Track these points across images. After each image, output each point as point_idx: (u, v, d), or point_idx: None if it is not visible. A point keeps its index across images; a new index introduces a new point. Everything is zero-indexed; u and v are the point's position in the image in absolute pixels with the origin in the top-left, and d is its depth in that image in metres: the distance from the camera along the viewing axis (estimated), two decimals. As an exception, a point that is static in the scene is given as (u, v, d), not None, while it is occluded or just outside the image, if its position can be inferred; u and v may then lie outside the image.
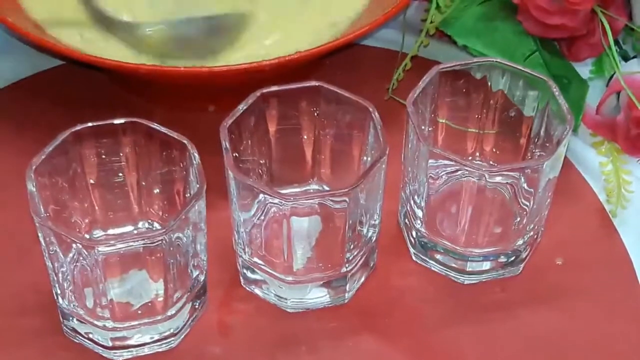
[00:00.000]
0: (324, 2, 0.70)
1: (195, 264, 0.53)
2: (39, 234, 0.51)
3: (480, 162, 0.61)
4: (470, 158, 0.61)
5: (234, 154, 0.53)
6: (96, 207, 0.56)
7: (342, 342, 0.55)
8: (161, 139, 0.54)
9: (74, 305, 0.53)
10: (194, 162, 0.52)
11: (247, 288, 0.57)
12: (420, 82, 0.57)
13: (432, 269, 0.59)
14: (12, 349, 0.54)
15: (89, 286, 0.52)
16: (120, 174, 0.56)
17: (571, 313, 0.57)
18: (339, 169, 0.59)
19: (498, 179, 0.57)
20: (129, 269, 0.54)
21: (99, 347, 0.54)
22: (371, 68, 0.71)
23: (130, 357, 0.54)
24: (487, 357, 0.55)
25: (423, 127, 0.57)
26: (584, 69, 0.70)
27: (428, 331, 0.56)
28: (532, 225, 0.57)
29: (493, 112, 0.60)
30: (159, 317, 0.53)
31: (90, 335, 0.54)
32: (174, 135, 0.53)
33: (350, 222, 0.53)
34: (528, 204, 0.56)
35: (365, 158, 0.57)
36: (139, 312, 0.53)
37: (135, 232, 0.57)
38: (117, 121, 0.54)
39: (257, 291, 0.57)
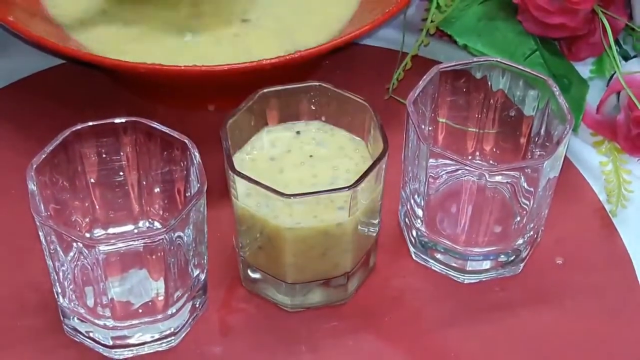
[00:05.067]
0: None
1: (196, 263, 0.53)
2: (40, 233, 0.51)
3: (480, 162, 0.61)
4: (470, 157, 0.61)
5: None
6: (97, 206, 0.56)
7: (342, 342, 0.55)
8: (162, 138, 0.54)
9: (74, 304, 0.53)
10: (195, 161, 0.52)
11: (248, 287, 0.57)
12: (421, 82, 0.57)
13: (432, 268, 0.59)
14: (12, 348, 0.54)
15: (89, 285, 0.52)
16: (121, 173, 0.56)
17: (571, 312, 0.57)
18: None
19: (498, 178, 0.57)
20: (129, 268, 0.54)
21: (100, 346, 0.54)
22: (371, 67, 0.71)
23: (130, 355, 0.54)
24: (486, 356, 0.55)
25: (423, 127, 0.57)
26: (584, 69, 0.70)
27: (428, 330, 0.56)
28: (532, 225, 0.57)
29: (493, 111, 0.60)
30: (160, 316, 0.53)
31: (91, 334, 0.54)
32: (175, 134, 0.53)
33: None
34: (528, 203, 0.56)
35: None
36: (140, 311, 0.53)
37: (135, 231, 0.57)
38: (117, 120, 0.54)
39: (257, 291, 0.57)
